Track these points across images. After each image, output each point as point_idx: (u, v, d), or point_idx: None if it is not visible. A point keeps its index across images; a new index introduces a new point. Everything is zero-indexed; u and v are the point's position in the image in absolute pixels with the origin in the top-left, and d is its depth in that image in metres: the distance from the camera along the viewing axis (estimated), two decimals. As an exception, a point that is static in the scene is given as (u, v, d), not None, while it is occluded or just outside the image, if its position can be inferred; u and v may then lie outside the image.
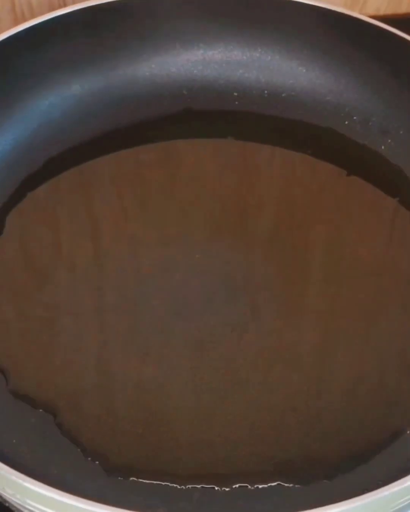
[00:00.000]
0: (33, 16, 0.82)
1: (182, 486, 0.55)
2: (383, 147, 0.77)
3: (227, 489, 0.55)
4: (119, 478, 0.56)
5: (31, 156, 0.75)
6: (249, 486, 0.56)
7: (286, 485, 0.56)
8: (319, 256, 0.70)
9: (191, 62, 0.83)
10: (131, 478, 0.56)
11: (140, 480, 0.55)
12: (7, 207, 0.72)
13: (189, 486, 0.55)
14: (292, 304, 0.65)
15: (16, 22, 0.83)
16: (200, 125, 0.80)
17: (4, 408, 0.59)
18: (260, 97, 0.82)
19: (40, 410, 0.59)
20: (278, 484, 0.56)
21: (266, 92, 0.83)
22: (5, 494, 0.53)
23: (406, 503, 0.52)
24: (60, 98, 0.78)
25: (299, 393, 0.61)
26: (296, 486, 0.56)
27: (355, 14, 0.78)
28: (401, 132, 0.77)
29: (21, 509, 0.55)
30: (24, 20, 0.78)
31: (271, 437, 0.58)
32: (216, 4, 0.80)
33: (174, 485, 0.55)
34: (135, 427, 0.58)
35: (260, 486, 0.56)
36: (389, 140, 0.78)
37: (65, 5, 0.87)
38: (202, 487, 0.55)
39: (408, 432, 0.59)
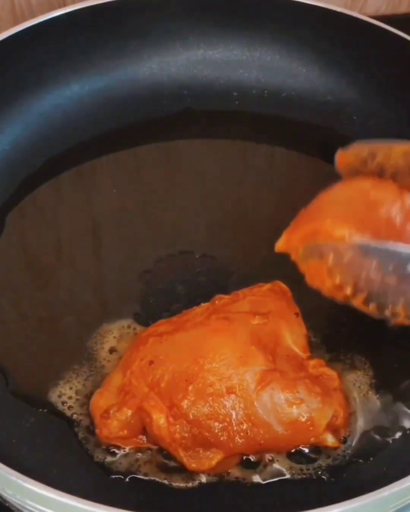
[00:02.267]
0: (33, 16, 0.82)
1: (182, 486, 0.55)
2: (383, 147, 0.77)
3: (227, 488, 0.55)
4: (119, 477, 0.56)
5: (31, 156, 0.75)
6: (249, 485, 0.56)
7: (286, 484, 0.56)
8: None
9: (191, 62, 0.83)
10: (130, 477, 0.56)
11: (140, 478, 0.56)
12: (7, 207, 0.72)
13: (189, 485, 0.55)
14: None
15: (16, 22, 0.83)
16: (200, 125, 0.80)
17: (4, 408, 0.59)
18: (260, 97, 0.82)
19: (40, 410, 0.59)
20: (279, 480, 0.56)
21: (266, 92, 0.83)
22: (5, 494, 0.53)
23: (406, 503, 0.52)
24: (60, 98, 0.79)
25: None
26: (296, 485, 0.56)
27: (355, 14, 0.78)
28: (401, 132, 0.77)
29: (21, 509, 0.55)
30: (24, 20, 0.78)
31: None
32: (216, 4, 0.80)
33: (174, 484, 0.55)
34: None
35: (260, 485, 0.56)
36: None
37: (65, 5, 0.87)
38: (202, 486, 0.55)
39: (408, 432, 0.59)
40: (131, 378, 0.56)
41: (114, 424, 0.55)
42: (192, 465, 0.54)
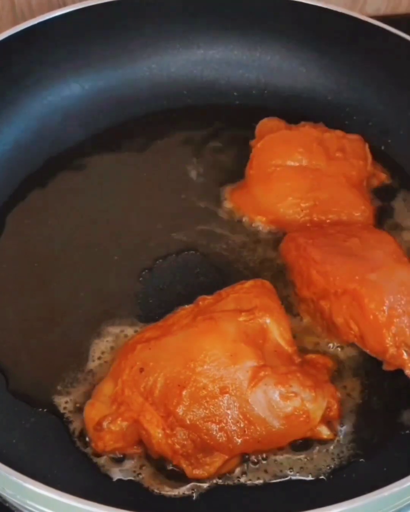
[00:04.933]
0: (33, 16, 0.82)
1: (182, 486, 0.55)
2: (383, 147, 0.77)
3: (227, 487, 0.56)
4: (119, 477, 0.56)
5: (31, 156, 0.75)
6: (249, 487, 0.56)
7: (286, 484, 0.56)
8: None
9: (191, 62, 0.83)
10: (130, 477, 0.56)
11: (141, 480, 0.56)
12: (7, 207, 0.72)
13: (189, 486, 0.55)
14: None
15: (16, 22, 0.83)
16: (200, 125, 0.80)
17: (4, 408, 0.59)
18: (260, 97, 0.82)
19: (40, 410, 0.59)
20: (279, 481, 0.56)
21: (266, 92, 0.83)
22: (5, 494, 0.53)
23: (406, 503, 0.52)
24: (60, 98, 0.79)
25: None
26: (296, 485, 0.56)
27: (355, 14, 0.78)
28: (401, 132, 0.78)
29: (21, 509, 0.55)
30: (24, 20, 0.78)
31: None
32: (215, 5, 0.80)
33: (175, 485, 0.55)
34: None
35: (260, 486, 0.56)
36: (389, 140, 0.78)
37: (65, 5, 0.87)
38: (202, 487, 0.55)
39: (408, 432, 0.59)
40: (124, 388, 0.56)
41: (108, 436, 0.55)
42: (195, 473, 0.54)
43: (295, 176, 0.70)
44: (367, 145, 0.74)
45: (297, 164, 0.71)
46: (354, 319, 0.60)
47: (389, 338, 0.58)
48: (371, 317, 0.59)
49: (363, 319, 0.59)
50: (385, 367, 0.60)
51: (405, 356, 0.58)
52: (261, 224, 0.71)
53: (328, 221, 0.69)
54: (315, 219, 0.69)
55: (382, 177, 0.74)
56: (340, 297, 0.60)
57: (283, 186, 0.70)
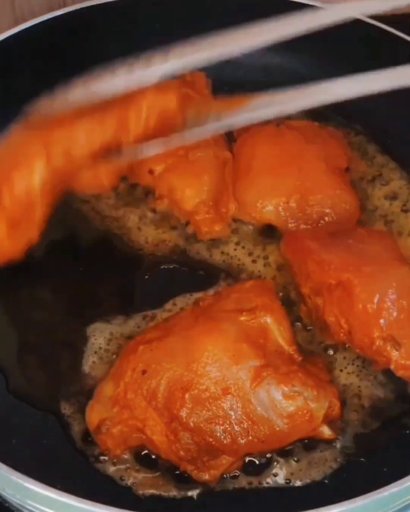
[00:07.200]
0: (33, 16, 0.81)
1: (182, 487, 0.55)
2: (383, 147, 0.77)
3: (228, 488, 0.56)
4: (119, 477, 0.56)
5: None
6: (249, 486, 0.56)
7: (286, 485, 0.56)
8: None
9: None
10: (131, 478, 0.56)
11: (141, 480, 0.56)
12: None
13: (189, 487, 0.55)
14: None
15: (16, 22, 0.83)
16: (200, 125, 0.80)
17: (4, 408, 0.59)
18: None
19: (41, 410, 0.59)
20: (279, 482, 0.56)
21: (265, 92, 0.82)
22: (5, 494, 0.53)
23: (406, 503, 0.52)
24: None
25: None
26: (296, 485, 0.56)
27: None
28: (401, 132, 0.78)
29: (21, 509, 0.55)
30: (24, 20, 0.78)
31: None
32: (216, 5, 0.80)
33: (175, 485, 0.55)
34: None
35: (260, 486, 0.56)
36: (389, 140, 0.78)
37: (65, 5, 0.87)
38: (201, 487, 0.55)
39: (408, 432, 0.59)
40: (127, 390, 0.56)
41: (109, 441, 0.55)
42: (201, 477, 0.54)
43: (272, 172, 0.70)
44: (346, 141, 0.75)
45: (272, 158, 0.70)
46: (344, 315, 0.60)
47: (376, 330, 0.58)
48: (360, 306, 0.58)
49: (352, 310, 0.59)
50: (375, 367, 0.60)
51: (390, 349, 0.58)
52: (252, 223, 0.71)
53: (314, 214, 0.68)
54: (301, 212, 0.68)
55: (363, 167, 0.74)
56: (333, 292, 0.60)
57: (261, 185, 0.70)
